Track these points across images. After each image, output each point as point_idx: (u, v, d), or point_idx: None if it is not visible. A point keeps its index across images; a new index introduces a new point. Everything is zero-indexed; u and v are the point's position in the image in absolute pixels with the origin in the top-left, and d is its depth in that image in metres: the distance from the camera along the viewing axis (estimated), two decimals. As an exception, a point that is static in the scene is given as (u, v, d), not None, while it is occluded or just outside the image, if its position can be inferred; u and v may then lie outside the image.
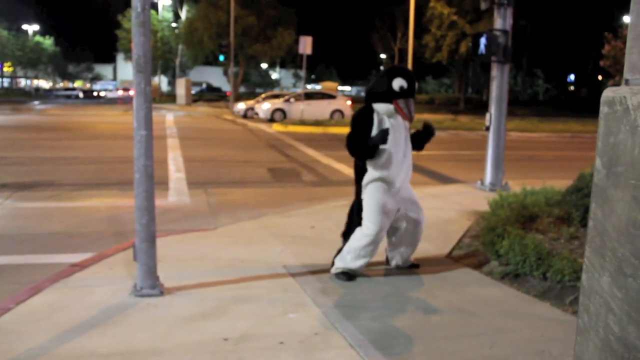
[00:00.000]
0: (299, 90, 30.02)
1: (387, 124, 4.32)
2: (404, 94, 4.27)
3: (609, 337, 1.71)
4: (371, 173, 4.37)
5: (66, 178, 9.50)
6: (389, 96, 4.28)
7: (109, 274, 4.50)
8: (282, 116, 25.95)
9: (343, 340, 3.38)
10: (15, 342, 3.27)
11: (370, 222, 4.36)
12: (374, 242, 4.38)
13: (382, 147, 4.29)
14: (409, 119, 4.34)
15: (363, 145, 4.28)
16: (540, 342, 3.40)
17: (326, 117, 26.29)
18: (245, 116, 29.32)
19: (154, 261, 4.05)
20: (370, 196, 4.37)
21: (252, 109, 29.27)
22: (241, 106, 30.40)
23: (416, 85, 4.40)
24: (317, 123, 22.65)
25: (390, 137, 4.28)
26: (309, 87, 77.84)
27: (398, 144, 4.38)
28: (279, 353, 3.20)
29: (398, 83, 4.26)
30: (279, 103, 26.88)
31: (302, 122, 22.86)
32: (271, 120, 25.71)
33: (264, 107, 26.52)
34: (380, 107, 4.32)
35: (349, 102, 28.02)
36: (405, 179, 4.51)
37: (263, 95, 33.05)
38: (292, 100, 27.05)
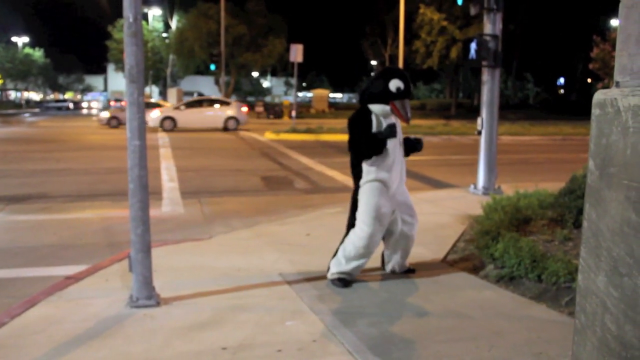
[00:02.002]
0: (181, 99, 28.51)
1: (384, 124, 4.35)
2: (400, 94, 4.30)
3: (606, 336, 1.72)
4: (368, 174, 4.38)
5: (58, 190, 9.46)
6: (385, 97, 4.30)
7: (105, 286, 4.48)
8: (172, 124, 24.75)
9: (341, 347, 3.38)
10: (11, 356, 3.25)
11: (364, 224, 4.37)
12: (368, 246, 4.39)
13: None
14: (406, 119, 4.37)
15: (372, 140, 4.26)
16: (537, 344, 3.41)
17: (219, 125, 25.40)
18: (108, 125, 27.48)
19: (149, 272, 4.03)
20: (366, 198, 4.38)
21: (115, 117, 27.46)
22: (104, 114, 28.50)
23: (411, 86, 4.44)
24: (309, 131, 22.66)
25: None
26: (300, 94, 77.95)
27: (395, 146, 4.41)
28: (277, 361, 3.20)
29: (395, 84, 4.29)
30: (168, 111, 25.72)
31: (295, 130, 22.86)
32: (161, 129, 24.62)
33: (153, 116, 24.89)
34: (376, 108, 4.35)
35: (244, 109, 26.88)
36: (401, 182, 4.53)
37: (123, 103, 31.75)
38: (182, 107, 25.92)
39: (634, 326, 1.61)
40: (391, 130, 4.24)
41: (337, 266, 4.48)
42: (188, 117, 25.17)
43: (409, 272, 4.81)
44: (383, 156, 4.35)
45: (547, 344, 3.41)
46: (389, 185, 4.40)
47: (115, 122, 27.39)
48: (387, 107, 4.32)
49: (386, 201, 4.40)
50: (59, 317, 3.82)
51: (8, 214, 7.54)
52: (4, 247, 5.96)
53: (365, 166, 4.38)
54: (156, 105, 28.90)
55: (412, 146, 4.68)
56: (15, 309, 3.96)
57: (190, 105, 26.37)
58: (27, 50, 71.49)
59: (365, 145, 4.30)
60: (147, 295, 4.02)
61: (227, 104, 26.99)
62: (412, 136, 4.73)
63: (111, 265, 5.00)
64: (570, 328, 2.04)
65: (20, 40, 70.62)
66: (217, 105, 26.53)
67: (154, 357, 3.24)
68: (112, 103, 60.19)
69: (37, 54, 72.95)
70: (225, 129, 25.26)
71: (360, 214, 4.40)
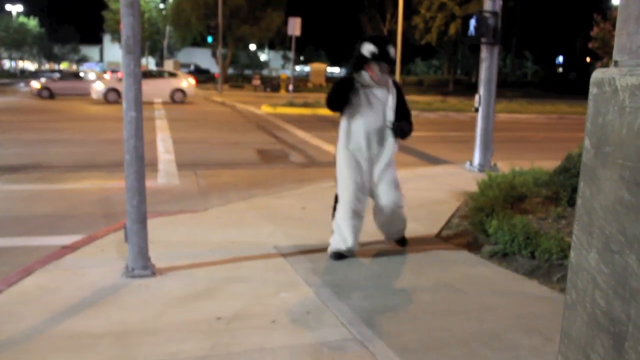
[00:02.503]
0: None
1: (361, 92, 4.39)
2: (374, 57, 4.33)
3: (596, 312, 1.76)
4: (339, 142, 4.49)
5: (55, 160, 9.45)
6: (360, 61, 4.37)
7: (100, 256, 4.51)
8: (116, 96, 23.41)
9: (334, 319, 3.42)
10: (7, 324, 3.28)
11: (341, 191, 4.49)
12: (350, 212, 4.45)
13: (354, 113, 4.39)
14: (377, 80, 4.39)
15: (335, 87, 4.38)
16: (528, 319, 3.46)
17: (166, 97, 24.68)
18: (39, 96, 26.24)
19: (145, 242, 4.06)
20: (338, 170, 4.51)
21: (47, 88, 26.39)
22: (35, 84, 27.13)
23: (391, 51, 4.40)
24: (306, 105, 22.57)
25: (362, 105, 4.37)
26: (298, 68, 77.38)
27: (369, 113, 4.40)
28: (271, 332, 3.24)
29: (367, 48, 4.34)
30: (113, 82, 24.66)
31: (292, 104, 22.75)
32: (106, 101, 23.70)
33: (97, 87, 24.20)
34: (357, 75, 4.41)
35: (192, 81, 26.15)
36: (385, 154, 4.51)
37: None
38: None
39: (623, 302, 1.64)
40: (345, 79, 4.33)
41: (332, 241, 4.55)
42: None
43: (400, 243, 4.86)
44: (356, 125, 4.40)
45: (537, 319, 3.46)
46: (363, 151, 4.44)
47: (46, 93, 26.43)
48: (363, 71, 4.36)
49: (358, 172, 4.45)
50: (54, 286, 3.85)
51: (4, 184, 7.54)
52: (0, 216, 5.97)
53: (339, 133, 4.48)
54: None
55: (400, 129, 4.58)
56: (11, 277, 3.98)
57: None
58: (22, 19, 70.58)
59: (330, 96, 4.36)
60: (143, 266, 4.05)
61: (174, 75, 26.31)
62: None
63: (107, 236, 5.02)
64: (560, 304, 2.07)
65: (14, 8, 69.65)
66: (163, 77, 25.80)
67: (149, 327, 3.28)
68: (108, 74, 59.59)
69: (32, 23, 72.04)
70: (173, 101, 24.60)
71: (337, 182, 4.55)
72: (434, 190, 7.24)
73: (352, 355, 2.99)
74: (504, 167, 8.20)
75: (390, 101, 4.48)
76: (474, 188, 6.47)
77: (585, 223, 1.84)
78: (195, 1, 44.07)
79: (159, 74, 26.40)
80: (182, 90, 25.14)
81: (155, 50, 62.13)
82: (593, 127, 1.83)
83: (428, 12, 41.42)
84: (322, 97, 27.82)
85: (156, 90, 24.32)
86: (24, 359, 2.89)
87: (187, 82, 25.66)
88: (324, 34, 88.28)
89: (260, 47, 73.31)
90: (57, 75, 32.56)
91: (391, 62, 4.44)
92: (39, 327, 3.24)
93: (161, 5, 55.26)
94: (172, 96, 24.85)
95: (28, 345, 3.04)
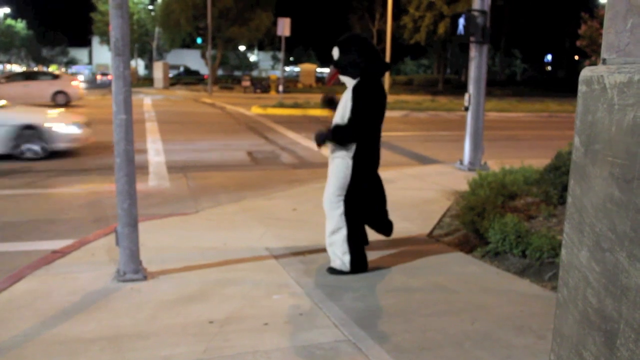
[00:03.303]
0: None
1: None
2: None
3: (587, 310, 1.76)
4: None
5: (44, 164, 9.38)
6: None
7: (91, 260, 4.48)
8: None
9: (327, 320, 3.42)
10: (-1, 329, 3.25)
11: None
12: None
13: None
14: (327, 81, 4.50)
15: None
16: (520, 317, 3.47)
17: (47, 100, 22.76)
18: None
19: (136, 246, 4.04)
20: None
21: None
22: None
23: (332, 53, 4.34)
24: (296, 105, 22.53)
25: None
26: (287, 69, 77.30)
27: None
28: (264, 334, 3.23)
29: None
30: None
31: (282, 105, 22.70)
32: None
33: None
34: None
35: (75, 83, 24.39)
36: (330, 161, 4.44)
37: None
38: (3, 81, 23.52)
39: (614, 300, 1.65)
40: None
41: None
42: (10, 92, 22.40)
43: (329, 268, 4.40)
44: None
45: (529, 318, 3.47)
46: None
47: None
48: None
49: None
50: (45, 291, 3.82)
51: (-8, 188, 7.48)
52: (-12, 221, 5.92)
53: None
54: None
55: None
56: (1, 282, 3.95)
57: (12, 78, 24.38)
58: (9, 21, 70.15)
59: None
60: (134, 269, 4.03)
61: (56, 77, 24.96)
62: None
63: (98, 240, 4.99)
64: (552, 302, 2.08)
65: (1, 11, 69.21)
66: (43, 79, 24.43)
67: (141, 331, 3.26)
68: (98, 77, 59.13)
69: (20, 25, 71.65)
70: (55, 103, 22.94)
71: None
72: (425, 189, 7.25)
73: (345, 357, 2.99)
74: (495, 165, 8.23)
75: (340, 106, 4.35)
76: (464, 187, 6.49)
77: (575, 221, 1.84)
78: (184, 2, 43.91)
79: (38, 76, 25.08)
80: (64, 93, 23.51)
81: (144, 52, 61.93)
82: (582, 125, 1.83)
83: (417, 12, 41.51)
84: (312, 97, 27.87)
85: (36, 93, 23.01)
86: (14, 366, 2.87)
87: (69, 85, 24.12)
88: (314, 35, 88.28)
89: (249, 48, 73.11)
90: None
91: (335, 65, 4.31)
92: (30, 332, 3.22)
93: (150, 7, 55.06)
94: (53, 99, 23.32)
95: (19, 351, 3.01)
